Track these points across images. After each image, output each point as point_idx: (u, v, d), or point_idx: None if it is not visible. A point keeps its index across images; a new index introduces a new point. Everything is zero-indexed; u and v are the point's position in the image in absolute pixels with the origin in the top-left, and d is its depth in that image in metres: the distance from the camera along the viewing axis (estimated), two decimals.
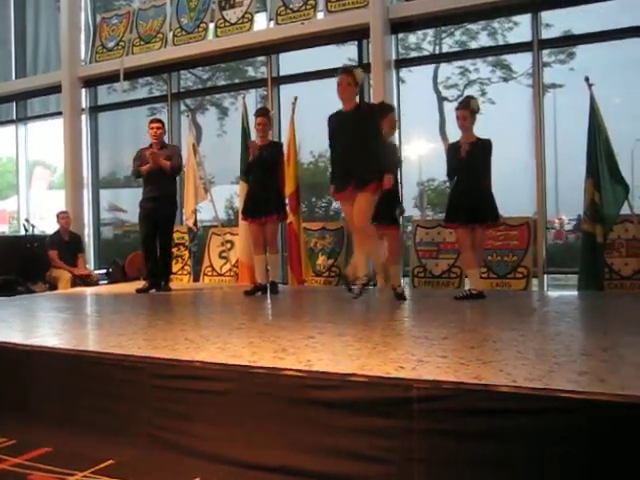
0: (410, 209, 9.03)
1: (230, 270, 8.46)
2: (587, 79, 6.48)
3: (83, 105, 10.75)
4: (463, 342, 3.69)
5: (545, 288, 7.14)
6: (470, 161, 5.69)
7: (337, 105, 5.45)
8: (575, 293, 6.48)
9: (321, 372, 2.92)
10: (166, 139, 7.67)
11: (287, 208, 7.02)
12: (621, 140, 6.80)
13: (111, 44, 10.28)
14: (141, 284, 7.31)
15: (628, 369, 2.98)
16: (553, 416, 2.46)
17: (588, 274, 6.47)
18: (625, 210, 6.45)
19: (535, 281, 7.03)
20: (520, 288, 6.76)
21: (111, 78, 10.06)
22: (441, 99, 8.57)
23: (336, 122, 5.52)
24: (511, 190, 7.16)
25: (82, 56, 10.74)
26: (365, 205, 5.27)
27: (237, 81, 10.08)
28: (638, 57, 6.34)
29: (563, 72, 7.69)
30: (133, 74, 9.99)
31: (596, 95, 6.48)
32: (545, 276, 7.16)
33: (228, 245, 8.55)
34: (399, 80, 8.12)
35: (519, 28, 7.77)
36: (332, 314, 5.31)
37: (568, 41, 7.55)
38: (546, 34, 7.46)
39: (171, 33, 9.58)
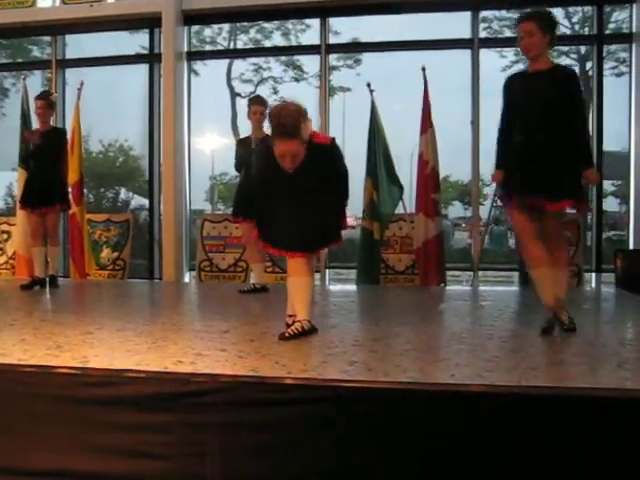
0: (201, 203, 9.05)
1: (6, 262, 7.93)
2: (369, 85, 6.87)
3: None
4: (243, 335, 3.80)
5: (327, 282, 7.46)
6: None
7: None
8: (354, 287, 6.85)
9: (96, 369, 2.87)
10: None
11: (70, 198, 6.71)
12: (402, 145, 7.31)
13: None
14: None
15: (392, 357, 3.26)
16: (325, 404, 2.61)
17: (365, 269, 6.86)
18: (400, 210, 6.93)
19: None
20: None
21: None
22: (234, 94, 8.65)
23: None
24: None
25: None
26: None
27: (20, 60, 9.41)
28: (415, 68, 6.82)
29: (351, 77, 8.11)
30: None
31: (378, 101, 6.88)
32: (327, 270, 7.47)
33: (5, 236, 8.01)
34: (190, 72, 8.05)
35: (311, 31, 8.05)
36: (114, 309, 5.20)
37: (353, 47, 7.97)
38: (336, 40, 7.77)
39: None
